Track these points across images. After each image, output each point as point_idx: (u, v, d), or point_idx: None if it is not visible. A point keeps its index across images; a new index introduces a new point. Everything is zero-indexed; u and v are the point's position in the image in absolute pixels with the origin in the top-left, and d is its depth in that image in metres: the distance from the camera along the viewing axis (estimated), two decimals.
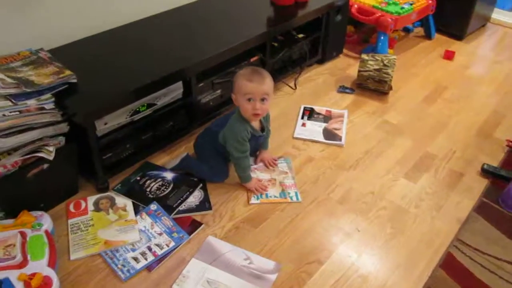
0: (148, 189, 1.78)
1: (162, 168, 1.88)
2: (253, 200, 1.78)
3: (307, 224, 1.71)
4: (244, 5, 2.43)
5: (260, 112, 1.68)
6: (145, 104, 1.80)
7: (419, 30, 3.22)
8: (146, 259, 1.52)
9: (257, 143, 1.87)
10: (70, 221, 1.66)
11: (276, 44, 2.37)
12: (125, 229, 1.62)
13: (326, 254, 1.60)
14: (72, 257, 1.53)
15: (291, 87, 2.48)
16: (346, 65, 2.74)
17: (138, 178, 1.83)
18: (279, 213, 1.75)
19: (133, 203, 1.73)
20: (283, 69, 2.46)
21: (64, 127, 1.63)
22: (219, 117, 1.96)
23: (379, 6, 2.74)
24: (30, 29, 1.87)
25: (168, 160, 1.92)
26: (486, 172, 1.96)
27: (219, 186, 1.84)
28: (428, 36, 3.14)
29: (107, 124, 1.69)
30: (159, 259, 1.53)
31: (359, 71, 2.44)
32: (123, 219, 1.66)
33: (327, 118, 2.24)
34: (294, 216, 1.74)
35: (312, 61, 2.65)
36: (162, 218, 1.67)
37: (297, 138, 2.11)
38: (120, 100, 1.67)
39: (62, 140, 1.62)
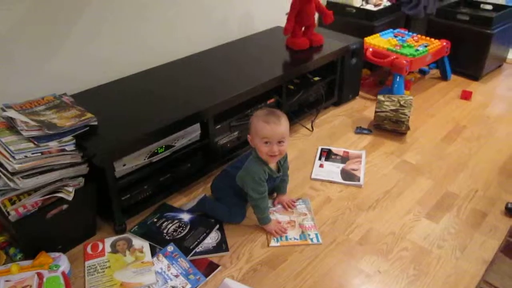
0: (165, 231, 1.77)
1: (179, 210, 1.88)
2: (273, 243, 1.75)
3: (327, 266, 1.66)
4: (261, 50, 2.49)
5: (277, 154, 1.68)
6: (163, 146, 1.82)
7: (435, 72, 3.24)
8: None
9: (274, 183, 1.86)
10: (87, 263, 1.65)
11: (292, 87, 2.41)
12: (142, 271, 1.60)
13: None
14: None
15: (308, 129, 2.49)
16: (363, 107, 2.75)
17: (155, 219, 1.83)
18: (297, 255, 1.71)
19: (150, 244, 1.72)
20: (300, 111, 2.49)
21: (83, 169, 1.66)
22: (236, 159, 1.97)
23: (394, 49, 2.78)
24: (54, 75, 1.95)
25: (186, 202, 1.93)
26: (510, 211, 1.90)
27: (236, 228, 1.82)
28: (444, 77, 3.15)
29: (125, 165, 1.71)
30: None
31: (375, 112, 2.45)
32: (139, 261, 1.65)
33: (344, 159, 2.23)
34: (313, 258, 1.70)
35: (328, 103, 2.67)
36: (179, 260, 1.65)
37: (315, 179, 2.10)
38: (138, 142, 1.70)
39: (81, 181, 1.65)
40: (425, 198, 2.01)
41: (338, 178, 2.09)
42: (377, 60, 2.78)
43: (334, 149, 2.30)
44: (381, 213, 1.92)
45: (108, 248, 1.71)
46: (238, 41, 2.61)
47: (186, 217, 1.84)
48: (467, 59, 3.09)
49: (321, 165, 2.18)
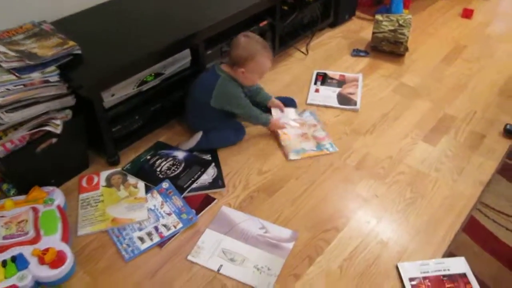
0: (158, 169, 1.72)
1: (174, 148, 1.81)
2: (292, 156, 1.76)
3: (323, 192, 1.65)
4: None
5: None
6: (153, 74, 1.74)
7: None
8: (151, 239, 1.48)
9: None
10: (80, 196, 1.63)
11: (286, 8, 2.27)
12: (134, 207, 1.58)
13: (343, 221, 1.55)
14: (79, 232, 1.50)
15: (302, 52, 2.40)
16: (359, 28, 2.64)
17: (149, 157, 1.77)
18: (294, 181, 1.70)
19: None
20: (294, 33, 2.37)
21: (70, 100, 1.58)
22: (192, 85, 1.82)
23: None
24: (32, 0, 1.80)
25: (183, 141, 1.83)
26: (509, 132, 1.88)
27: (232, 155, 1.79)
28: None
29: (114, 95, 1.64)
30: (164, 241, 1.48)
31: (373, 33, 2.34)
32: (132, 197, 1.62)
33: (341, 82, 2.16)
34: (309, 184, 1.69)
35: (324, 24, 2.55)
36: (173, 197, 1.61)
37: (310, 104, 2.04)
38: (126, 70, 1.61)
39: (69, 113, 1.58)
40: (423, 121, 1.97)
41: (335, 103, 2.04)
42: None
43: (330, 73, 2.22)
44: (378, 137, 1.88)
45: (102, 182, 1.68)
46: None
47: (180, 155, 1.78)
48: None
49: (316, 90, 2.12)
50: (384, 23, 2.31)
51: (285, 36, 2.28)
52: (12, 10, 1.76)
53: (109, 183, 1.68)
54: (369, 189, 1.67)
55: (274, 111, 1.92)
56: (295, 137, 1.84)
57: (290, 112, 1.94)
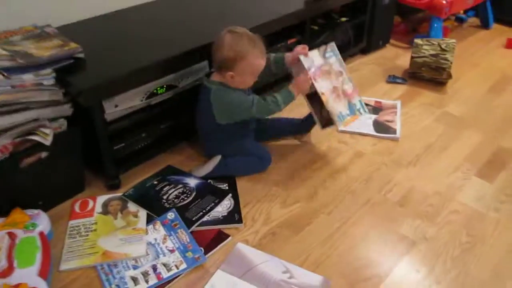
0: (165, 197, 1.46)
1: (187, 174, 1.56)
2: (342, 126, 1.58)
3: (361, 231, 1.37)
4: None
5: None
6: (164, 86, 1.52)
7: (474, 21, 2.86)
8: (147, 281, 1.19)
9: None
10: (70, 222, 1.38)
11: (316, 27, 2.08)
12: (131, 240, 1.31)
13: (386, 268, 1.26)
14: (62, 267, 1.23)
15: None
16: (395, 55, 2.42)
17: (156, 182, 1.52)
18: (325, 217, 1.42)
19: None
20: None
21: (67, 109, 1.36)
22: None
23: None
24: (36, 3, 1.62)
25: (197, 165, 1.59)
26: None
27: (252, 183, 1.54)
28: (485, 25, 2.77)
29: (118, 106, 1.41)
30: (163, 285, 1.19)
31: (412, 57, 2.11)
32: (131, 227, 1.36)
33: (377, 109, 1.92)
34: (343, 221, 1.40)
35: (356, 49, 2.35)
36: (179, 231, 1.34)
37: (343, 132, 1.79)
38: (133, 77, 1.40)
39: (63, 124, 1.35)
40: (475, 154, 1.69)
41: (371, 130, 1.79)
42: (413, 1, 2.42)
43: (364, 99, 1.95)
44: (423, 170, 1.61)
45: (98, 208, 1.43)
46: None
47: (192, 182, 1.52)
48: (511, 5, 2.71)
49: None
50: (425, 47, 2.09)
51: None
52: (15, 13, 1.58)
53: (105, 210, 1.42)
54: (416, 230, 1.37)
55: (297, 67, 1.54)
56: (330, 95, 1.52)
57: (315, 56, 1.54)
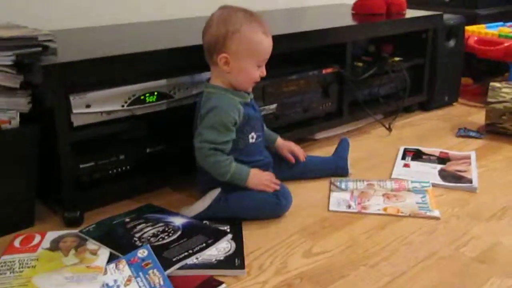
0: (137, 235, 1.31)
1: (171, 213, 1.44)
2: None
3: None
4: (318, 17, 2.27)
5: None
6: (155, 93, 1.45)
7: None
8: None
9: (257, 116, 1.50)
10: (3, 257, 1.23)
11: (361, 64, 2.06)
12: (80, 278, 1.14)
13: None
14: None
15: (385, 127, 2.11)
16: (466, 113, 2.37)
17: (128, 220, 1.39)
18: (366, 269, 1.22)
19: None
20: (370, 102, 2.11)
21: (23, 104, 1.30)
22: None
23: (509, 35, 2.40)
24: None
25: (189, 205, 1.45)
26: None
27: (263, 227, 1.39)
28: None
29: (90, 107, 1.34)
30: None
31: (488, 102, 2.01)
32: (84, 265, 1.20)
33: (443, 160, 1.85)
34: (396, 275, 1.20)
35: (414, 102, 2.30)
36: (150, 272, 1.15)
37: (397, 179, 1.67)
38: (114, 70, 1.36)
39: (14, 117, 1.27)
40: None
41: (437, 180, 1.67)
42: (485, 49, 2.41)
43: (426, 149, 1.92)
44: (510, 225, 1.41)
45: (46, 244, 1.29)
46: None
47: (178, 221, 1.39)
48: None
49: (406, 165, 1.81)
50: (505, 89, 2.00)
51: (358, 102, 2.02)
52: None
53: (54, 246, 1.28)
54: None
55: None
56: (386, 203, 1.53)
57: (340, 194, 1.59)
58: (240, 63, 1.37)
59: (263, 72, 1.43)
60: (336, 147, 1.72)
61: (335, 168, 1.66)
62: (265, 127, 1.56)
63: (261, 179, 1.41)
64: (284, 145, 1.61)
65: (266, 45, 1.39)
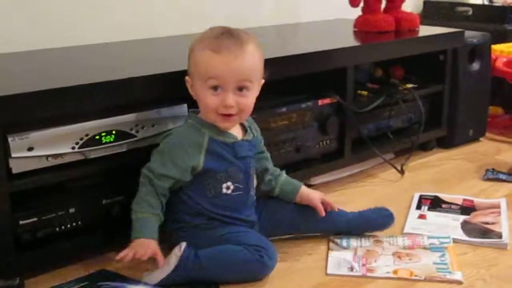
0: None
1: (131, 281, 1.41)
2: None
3: None
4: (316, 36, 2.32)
5: (234, 111, 1.39)
6: (113, 132, 1.43)
7: None
8: None
9: (248, 165, 1.49)
10: None
11: (365, 93, 2.06)
12: None
13: None
14: None
15: (397, 169, 2.09)
16: (495, 150, 2.36)
17: None
18: None
19: None
20: (377, 140, 2.10)
21: None
22: None
23: None
24: None
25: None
26: None
27: None
28: None
29: (33, 150, 1.32)
30: None
31: None
32: None
33: (467, 209, 1.82)
34: None
35: (431, 138, 2.29)
36: None
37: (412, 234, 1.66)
38: (62, 105, 1.33)
39: None
40: None
41: (460, 235, 1.66)
42: None
43: (446, 196, 1.90)
44: None
45: None
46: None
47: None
48: None
49: (421, 216, 1.79)
50: None
51: (363, 139, 2.01)
52: None
53: None
54: None
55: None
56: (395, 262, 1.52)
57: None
58: (195, 87, 1.42)
59: (224, 100, 1.38)
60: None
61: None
62: (282, 177, 1.59)
63: (144, 250, 1.36)
64: (313, 201, 1.59)
65: (212, 63, 1.37)
